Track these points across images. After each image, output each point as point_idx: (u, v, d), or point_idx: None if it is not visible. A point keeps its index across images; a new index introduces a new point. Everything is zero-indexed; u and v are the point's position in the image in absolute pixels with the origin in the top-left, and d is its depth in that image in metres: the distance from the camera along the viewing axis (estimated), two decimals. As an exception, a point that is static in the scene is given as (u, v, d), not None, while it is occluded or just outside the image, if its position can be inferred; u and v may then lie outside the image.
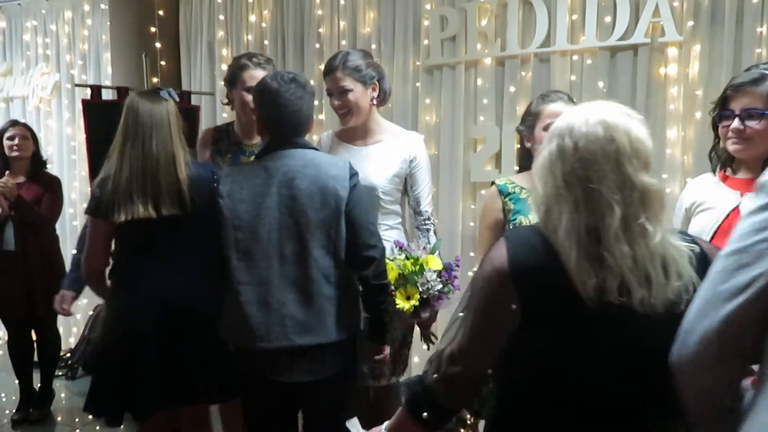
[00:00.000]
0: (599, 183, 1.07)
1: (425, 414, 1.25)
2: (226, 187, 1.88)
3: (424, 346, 2.34)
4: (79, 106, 4.10)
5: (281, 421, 2.03)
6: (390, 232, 2.25)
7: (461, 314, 1.24)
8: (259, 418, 2.03)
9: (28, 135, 3.39)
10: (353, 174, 1.91)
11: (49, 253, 3.37)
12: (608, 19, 2.84)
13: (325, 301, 1.85)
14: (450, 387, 1.22)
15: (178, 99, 2.15)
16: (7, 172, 3.24)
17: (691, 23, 2.69)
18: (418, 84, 3.35)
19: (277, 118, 1.89)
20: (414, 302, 2.01)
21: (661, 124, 2.78)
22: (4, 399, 3.82)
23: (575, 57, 2.95)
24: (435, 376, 1.24)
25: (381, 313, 1.94)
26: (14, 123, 3.45)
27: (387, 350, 2.07)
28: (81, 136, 4.11)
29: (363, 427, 2.42)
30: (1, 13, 4.79)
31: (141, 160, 2.01)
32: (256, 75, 2.27)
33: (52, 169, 3.59)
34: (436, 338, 2.30)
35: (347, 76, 2.16)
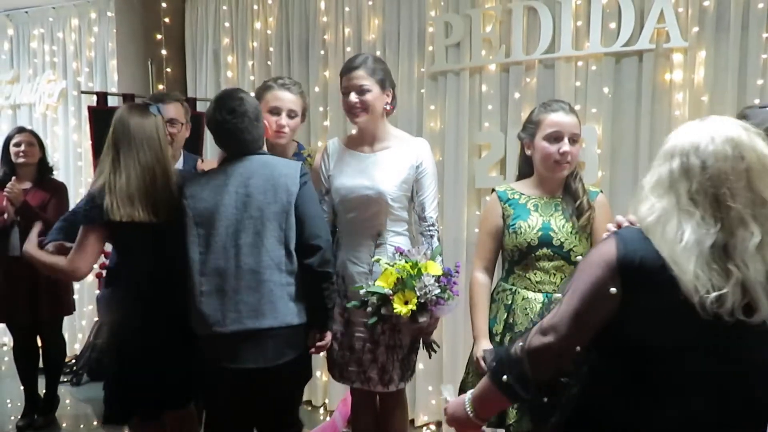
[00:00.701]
0: (732, 200, 1.10)
1: (505, 377, 1.28)
2: (189, 189, 2.08)
3: (424, 354, 2.34)
4: (85, 113, 4.12)
5: (238, 413, 2.12)
6: (397, 239, 2.26)
7: (560, 295, 1.28)
8: (218, 412, 2.14)
9: (35, 141, 3.41)
10: (303, 173, 2.11)
11: None
12: (613, 25, 2.83)
13: (277, 288, 2.01)
14: (535, 357, 1.25)
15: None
16: (13, 177, 3.26)
17: (696, 29, 2.69)
18: (422, 90, 3.36)
19: (226, 147, 2.14)
20: (411, 307, 2.01)
21: (666, 130, 2.74)
22: (9, 405, 3.83)
23: (580, 63, 2.95)
24: (521, 344, 1.28)
25: (324, 299, 2.09)
26: (21, 129, 3.47)
27: (329, 337, 2.17)
28: (87, 143, 4.15)
29: (369, 431, 2.43)
30: (9, 20, 4.83)
31: (138, 169, 2.10)
32: (279, 96, 2.38)
33: (58, 175, 3.60)
34: (438, 346, 2.29)
35: (369, 77, 2.20)
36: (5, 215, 3.25)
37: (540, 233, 1.98)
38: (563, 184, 2.06)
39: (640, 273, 1.14)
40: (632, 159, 2.84)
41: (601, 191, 2.13)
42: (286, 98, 2.38)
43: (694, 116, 2.71)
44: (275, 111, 2.37)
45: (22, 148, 3.34)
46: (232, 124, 2.07)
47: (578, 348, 1.23)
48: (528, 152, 2.07)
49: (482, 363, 2.03)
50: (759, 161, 1.11)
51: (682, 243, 1.11)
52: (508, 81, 3.11)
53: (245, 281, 2.00)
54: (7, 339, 4.74)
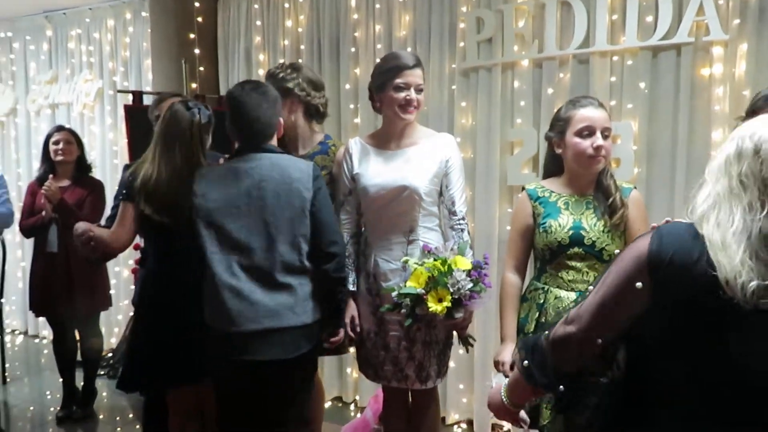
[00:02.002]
0: None
1: (526, 362, 1.29)
2: (200, 187, 2.08)
3: (461, 350, 2.33)
4: (120, 112, 4.21)
5: (249, 405, 2.16)
6: (429, 234, 2.25)
7: (591, 287, 1.27)
8: (230, 404, 2.17)
9: (73, 140, 3.48)
10: (317, 176, 2.11)
11: None
12: (650, 18, 2.77)
13: (291, 290, 2.05)
14: (558, 346, 1.25)
15: (206, 113, 2.27)
16: (50, 176, 3.34)
17: (737, 21, 2.61)
18: (453, 87, 3.33)
19: (241, 125, 2.10)
20: (446, 304, 2.01)
21: (706, 126, 2.70)
22: (49, 396, 3.94)
23: (615, 58, 2.89)
24: (546, 333, 1.28)
25: (339, 302, 2.19)
26: (60, 128, 3.56)
27: (341, 333, 2.23)
28: (122, 141, 4.22)
29: (400, 428, 2.43)
30: (48, 22, 4.95)
31: (172, 167, 2.17)
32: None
33: (95, 173, 3.68)
34: (474, 340, 2.28)
35: (422, 75, 2.24)
36: (43, 212, 3.33)
37: (571, 232, 1.95)
38: (594, 181, 2.02)
39: (671, 269, 1.11)
40: (669, 156, 2.78)
41: (635, 187, 2.08)
42: None
43: (734, 112, 2.64)
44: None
45: (61, 146, 3.42)
46: (255, 101, 2.06)
47: (599, 341, 1.20)
48: (558, 151, 2.04)
49: (500, 366, 2.01)
50: None
51: (731, 230, 1.07)
52: (541, 77, 3.07)
53: (260, 283, 2.03)
54: (47, 332, 4.88)
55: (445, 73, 3.35)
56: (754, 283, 1.04)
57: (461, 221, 2.25)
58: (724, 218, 1.10)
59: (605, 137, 1.96)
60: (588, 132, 1.95)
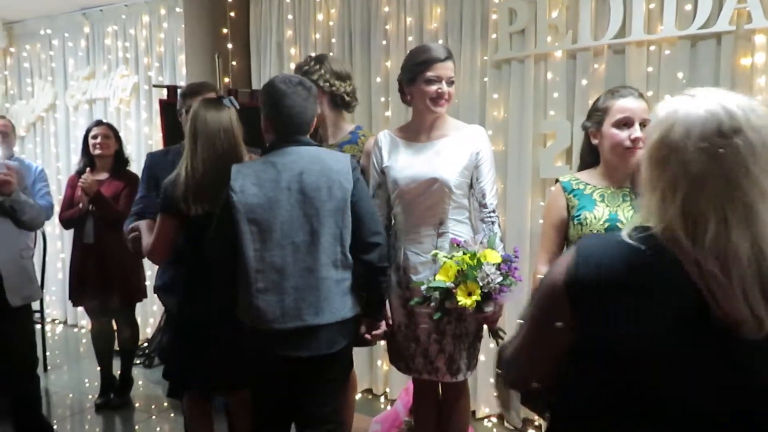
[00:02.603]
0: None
1: (498, 371, 1.30)
2: (238, 182, 2.02)
3: (491, 344, 2.31)
4: (156, 107, 4.28)
5: (285, 401, 2.16)
6: (459, 227, 2.24)
7: (520, 321, 1.20)
8: (268, 399, 2.16)
9: (111, 134, 3.57)
10: (354, 167, 2.10)
11: (125, 246, 3.54)
12: (688, 6, 2.70)
13: (334, 284, 2.03)
14: (507, 386, 1.29)
15: (238, 107, 2.28)
16: (87, 169, 3.43)
17: (781, 8, 2.53)
18: (485, 79, 3.30)
19: (282, 118, 2.07)
20: (476, 297, 2.00)
21: (747, 117, 2.62)
22: (87, 384, 4.04)
23: (652, 47, 2.82)
24: (498, 370, 1.28)
25: (382, 292, 2.17)
26: (98, 123, 3.64)
27: (383, 326, 2.23)
28: (157, 135, 4.30)
29: (431, 421, 2.43)
30: (85, 19, 5.05)
31: (213, 160, 2.16)
32: None
33: (131, 167, 3.76)
34: (505, 333, 2.27)
35: (453, 68, 2.22)
36: (81, 204, 3.42)
37: (607, 224, 1.91)
38: (632, 174, 1.98)
39: (600, 287, 1.00)
40: (708, 147, 2.71)
41: None
42: None
43: (777, 101, 2.56)
44: None
45: (99, 140, 3.50)
46: (298, 95, 2.05)
47: (534, 384, 1.16)
48: (594, 141, 2.00)
49: None
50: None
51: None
52: (575, 68, 3.02)
53: (304, 279, 2.00)
54: (86, 322, 5.00)
55: (477, 65, 3.32)
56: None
57: (492, 214, 2.23)
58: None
59: (643, 128, 1.92)
60: (626, 123, 1.91)
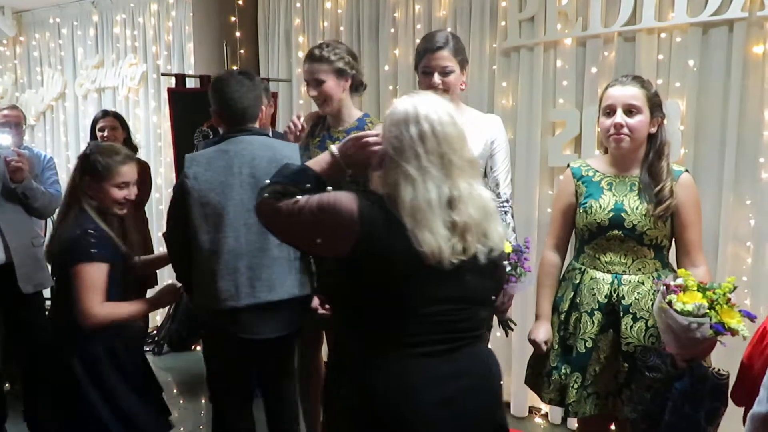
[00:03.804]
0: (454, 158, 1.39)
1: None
2: (191, 169, 2.10)
3: (498, 333, 2.31)
4: (164, 95, 4.28)
5: (240, 376, 2.29)
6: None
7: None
8: (221, 370, 2.27)
9: (117, 125, 3.57)
10: (302, 155, 2.18)
11: (134, 233, 3.55)
12: (701, -7, 2.67)
13: (285, 263, 2.11)
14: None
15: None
16: None
17: (794, -5, 2.49)
18: (494, 67, 3.28)
19: (229, 108, 2.15)
20: None
21: (758, 105, 2.59)
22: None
23: (663, 35, 2.80)
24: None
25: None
26: (105, 114, 3.64)
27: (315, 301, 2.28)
28: (166, 124, 4.31)
29: None
30: (94, 7, 5.06)
31: None
32: (309, 69, 2.35)
33: (140, 154, 3.77)
34: (515, 324, 2.27)
35: (452, 57, 2.19)
36: None
37: (611, 214, 1.91)
38: (642, 162, 1.97)
39: (377, 226, 1.34)
40: (718, 136, 2.69)
41: (687, 170, 2.00)
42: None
43: (789, 90, 2.54)
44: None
45: (106, 133, 3.52)
46: (243, 86, 2.14)
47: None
48: (598, 130, 2.04)
49: (536, 345, 2.05)
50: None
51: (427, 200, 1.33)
52: (585, 55, 3.00)
53: (257, 258, 2.08)
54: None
55: (486, 53, 3.30)
56: (448, 246, 1.33)
57: (505, 204, 2.23)
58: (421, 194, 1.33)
59: (630, 114, 1.91)
60: (609, 110, 1.93)
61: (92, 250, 1.97)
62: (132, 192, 2.15)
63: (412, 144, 1.35)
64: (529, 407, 3.31)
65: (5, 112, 3.30)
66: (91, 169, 2.08)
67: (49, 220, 3.93)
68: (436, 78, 2.17)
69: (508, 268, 2.00)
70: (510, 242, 2.07)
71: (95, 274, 1.97)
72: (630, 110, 1.90)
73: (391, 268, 1.34)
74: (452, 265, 1.34)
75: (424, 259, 1.31)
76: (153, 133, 4.79)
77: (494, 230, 1.41)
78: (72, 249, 1.98)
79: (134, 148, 3.65)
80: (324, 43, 2.47)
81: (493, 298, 1.93)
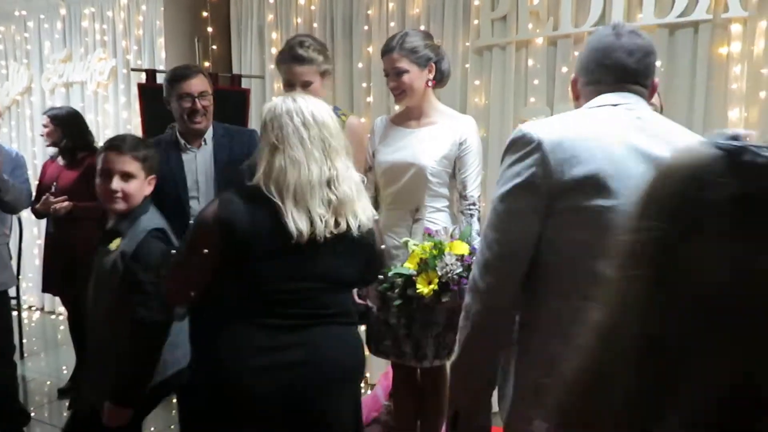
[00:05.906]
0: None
1: None
2: None
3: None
4: (134, 91, 4.21)
5: None
6: (437, 215, 2.24)
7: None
8: None
9: (51, 125, 3.52)
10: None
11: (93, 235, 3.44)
12: (668, -5, 2.72)
13: None
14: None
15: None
16: (50, 196, 3.32)
17: (757, -2, 2.56)
18: (467, 65, 3.30)
19: None
20: (433, 287, 1.99)
21: (722, 105, 2.66)
22: (65, 371, 3.99)
23: (631, 35, 2.84)
24: None
25: None
26: (45, 112, 3.64)
27: None
28: (136, 120, 4.23)
29: (409, 406, 2.44)
30: (62, 0, 4.95)
31: None
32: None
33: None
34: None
35: (404, 57, 2.18)
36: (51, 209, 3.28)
37: None
38: None
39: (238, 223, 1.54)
40: (685, 135, 2.74)
41: None
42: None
43: (752, 90, 2.61)
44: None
45: (43, 132, 3.55)
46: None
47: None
48: None
49: None
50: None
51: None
52: (556, 55, 3.03)
53: None
54: (63, 308, 4.94)
55: (459, 52, 3.32)
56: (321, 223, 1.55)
57: (471, 206, 2.22)
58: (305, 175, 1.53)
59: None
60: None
61: None
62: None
63: (297, 131, 1.54)
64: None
65: (-30, 107, 3.22)
66: None
67: (15, 218, 3.86)
68: (390, 80, 2.21)
69: (458, 270, 1.99)
70: (470, 245, 2.05)
71: None
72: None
73: (250, 249, 1.53)
74: (322, 241, 1.54)
75: (290, 238, 1.50)
76: (123, 129, 4.70)
77: (363, 208, 1.63)
78: None
79: (79, 147, 3.51)
80: (301, 40, 2.39)
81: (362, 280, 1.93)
